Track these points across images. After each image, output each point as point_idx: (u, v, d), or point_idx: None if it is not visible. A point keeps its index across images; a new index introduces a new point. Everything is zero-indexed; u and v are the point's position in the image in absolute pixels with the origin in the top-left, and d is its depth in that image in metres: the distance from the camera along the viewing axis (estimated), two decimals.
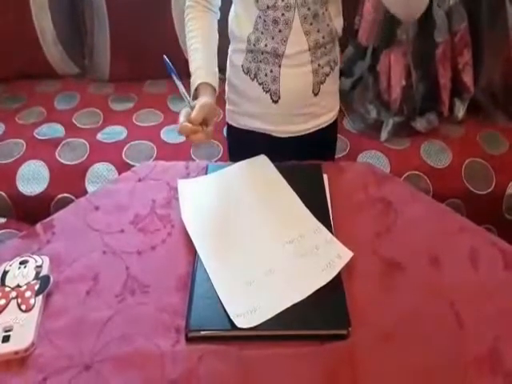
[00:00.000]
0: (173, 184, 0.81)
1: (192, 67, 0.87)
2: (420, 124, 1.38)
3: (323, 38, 0.88)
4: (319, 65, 0.90)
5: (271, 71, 0.90)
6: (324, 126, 0.98)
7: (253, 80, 0.92)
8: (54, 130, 1.36)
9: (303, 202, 0.76)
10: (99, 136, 1.34)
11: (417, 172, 1.27)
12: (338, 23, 0.91)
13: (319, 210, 0.75)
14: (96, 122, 1.40)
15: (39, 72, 1.55)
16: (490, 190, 1.27)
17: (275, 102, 0.92)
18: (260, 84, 0.92)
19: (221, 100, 0.95)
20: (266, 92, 0.92)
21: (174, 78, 0.76)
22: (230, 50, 0.96)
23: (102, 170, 1.24)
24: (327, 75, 0.92)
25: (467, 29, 1.35)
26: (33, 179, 1.22)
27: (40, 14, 1.48)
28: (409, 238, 0.72)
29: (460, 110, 1.41)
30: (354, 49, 1.46)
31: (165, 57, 0.77)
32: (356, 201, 0.79)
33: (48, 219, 0.75)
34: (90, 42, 1.53)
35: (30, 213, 1.16)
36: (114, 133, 1.35)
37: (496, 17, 1.35)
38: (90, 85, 1.55)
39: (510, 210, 1.29)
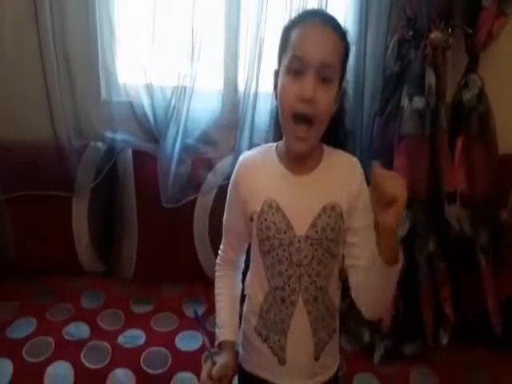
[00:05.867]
0: None
1: (217, 322, 1.08)
2: (408, 350, 1.55)
3: (323, 315, 1.03)
4: (319, 337, 1.03)
5: (279, 340, 1.03)
6: (327, 378, 1.09)
7: (263, 342, 1.05)
8: (81, 330, 1.49)
9: None
10: (120, 339, 1.47)
11: None
12: (337, 299, 1.07)
13: None
14: (118, 324, 1.54)
15: (69, 269, 1.74)
16: None
17: (282, 364, 1.04)
18: (269, 347, 1.04)
19: None
20: (274, 355, 1.04)
21: (202, 333, 1.01)
22: (245, 308, 1.11)
23: (121, 375, 1.35)
24: (326, 343, 1.05)
25: (445, 269, 1.60)
26: (59, 381, 1.32)
27: (79, 220, 1.71)
28: None
29: (444, 338, 1.58)
30: None
31: (195, 310, 0.99)
32: None
33: None
34: (118, 247, 1.74)
35: None
36: (134, 337, 1.49)
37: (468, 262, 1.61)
38: (114, 284, 1.72)
39: None
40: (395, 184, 0.80)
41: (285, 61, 0.93)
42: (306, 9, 1.05)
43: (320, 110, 0.91)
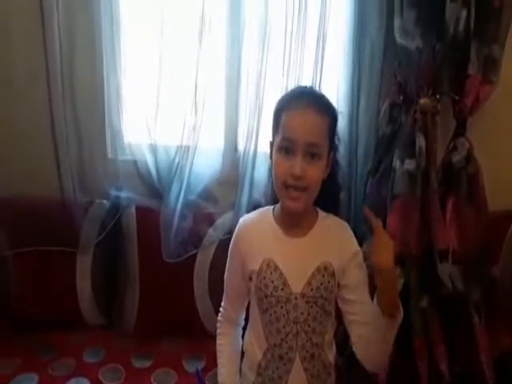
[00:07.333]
0: None
1: (219, 379, 1.14)
2: None
3: (318, 371, 1.09)
4: None
5: None
6: None
7: None
8: None
9: None
10: None
11: None
12: (332, 356, 1.13)
13: None
14: (119, 379, 1.56)
15: (71, 323, 1.76)
16: None
17: None
18: None
19: None
20: None
21: None
22: (243, 364, 1.17)
23: None
24: None
25: (439, 325, 1.63)
26: None
27: (82, 277, 1.75)
28: None
29: None
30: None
31: (198, 369, 1.03)
32: None
33: None
34: (120, 301, 1.77)
35: None
36: None
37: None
38: (116, 338, 1.74)
39: None
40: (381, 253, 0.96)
41: (277, 139, 1.04)
42: (295, 88, 1.15)
43: (310, 183, 1.01)
